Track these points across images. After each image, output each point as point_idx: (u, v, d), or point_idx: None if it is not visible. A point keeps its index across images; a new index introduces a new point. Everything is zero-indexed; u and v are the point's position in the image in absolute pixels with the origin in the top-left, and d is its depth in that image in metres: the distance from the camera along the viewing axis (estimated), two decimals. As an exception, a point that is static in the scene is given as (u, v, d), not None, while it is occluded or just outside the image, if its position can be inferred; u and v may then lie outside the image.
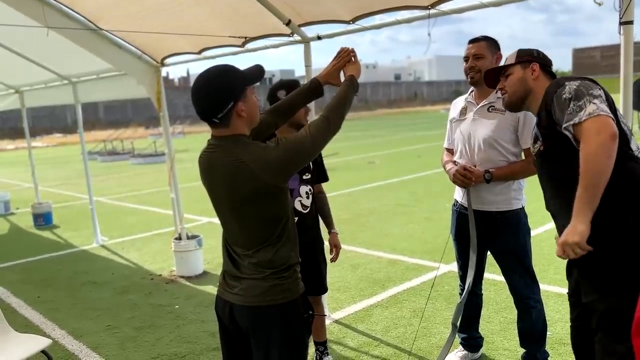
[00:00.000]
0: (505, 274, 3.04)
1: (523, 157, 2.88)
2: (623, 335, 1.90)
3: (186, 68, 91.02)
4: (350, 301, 4.47)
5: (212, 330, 3.95)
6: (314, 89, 2.25)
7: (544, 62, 2.26)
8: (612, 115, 1.84)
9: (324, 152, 2.50)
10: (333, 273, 5.01)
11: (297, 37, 3.95)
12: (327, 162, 3.33)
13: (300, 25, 3.86)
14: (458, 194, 3.10)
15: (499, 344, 3.51)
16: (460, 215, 3.06)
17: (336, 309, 4.29)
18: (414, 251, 5.81)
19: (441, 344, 3.50)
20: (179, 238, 5.54)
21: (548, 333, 3.08)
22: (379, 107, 61.19)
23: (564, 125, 1.90)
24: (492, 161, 2.86)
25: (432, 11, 3.17)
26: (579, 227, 1.81)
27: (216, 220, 2.19)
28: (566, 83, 1.96)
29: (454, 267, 3.71)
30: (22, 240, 7.76)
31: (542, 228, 5.59)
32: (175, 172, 5.52)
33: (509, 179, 2.86)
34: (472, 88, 3.01)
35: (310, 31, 3.96)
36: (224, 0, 3.88)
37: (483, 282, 3.24)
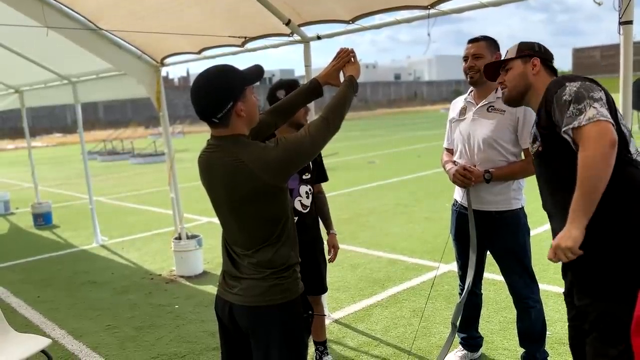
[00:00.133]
0: (504, 273, 3.04)
1: (523, 157, 2.88)
2: (615, 338, 1.92)
3: (186, 68, 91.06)
4: (350, 301, 4.47)
5: (212, 330, 3.95)
6: (314, 89, 2.25)
7: (545, 57, 2.23)
8: (612, 121, 1.82)
9: (323, 151, 2.51)
10: (333, 273, 5.02)
11: (296, 37, 3.96)
12: (327, 162, 3.33)
13: (300, 25, 3.86)
14: (458, 194, 3.10)
15: (498, 344, 3.52)
16: (460, 215, 3.06)
17: (336, 309, 4.30)
18: (414, 251, 5.81)
19: (441, 344, 3.51)
20: (179, 238, 5.54)
21: (547, 333, 3.08)
22: (379, 107, 61.17)
23: (563, 129, 1.88)
24: (492, 161, 2.86)
25: (432, 11, 3.17)
26: (573, 233, 1.81)
27: (216, 220, 2.19)
28: (567, 84, 1.94)
29: (453, 266, 3.71)
30: (22, 240, 7.76)
31: (541, 228, 5.58)
32: (175, 172, 5.52)
33: (508, 179, 2.86)
34: (471, 88, 3.01)
35: (310, 31, 3.97)
36: (223, 0, 3.88)
37: (483, 281, 3.24)
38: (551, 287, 4.33)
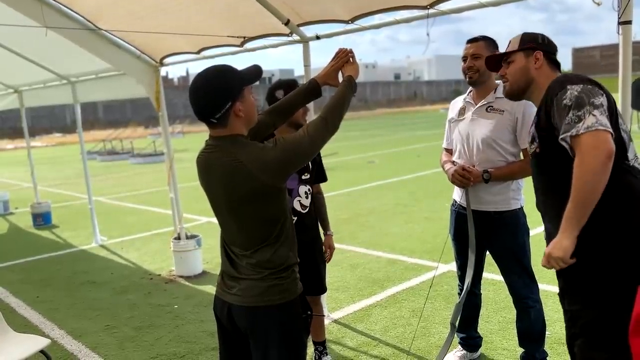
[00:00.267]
0: (504, 273, 3.04)
1: (522, 157, 2.88)
2: (602, 344, 1.93)
3: (185, 68, 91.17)
4: (349, 301, 4.47)
5: (211, 330, 3.95)
6: (313, 89, 2.25)
7: (549, 49, 2.17)
8: (610, 130, 1.79)
9: (323, 151, 2.51)
10: (332, 273, 5.01)
11: (296, 37, 3.95)
12: (326, 162, 3.33)
13: (299, 25, 3.86)
14: (457, 194, 3.10)
15: (497, 344, 3.52)
16: (459, 215, 3.06)
17: (335, 309, 4.30)
18: (413, 251, 5.81)
19: (440, 344, 3.50)
20: (178, 238, 5.54)
21: (547, 332, 3.08)
22: (379, 107, 61.17)
23: (561, 137, 1.86)
24: (491, 161, 2.86)
25: (431, 11, 3.17)
26: (564, 243, 1.81)
27: (215, 220, 2.19)
28: (568, 87, 1.90)
29: (453, 266, 3.71)
30: (21, 240, 7.76)
31: (541, 228, 5.53)
32: (175, 172, 5.51)
33: (507, 179, 2.86)
34: (470, 88, 3.02)
35: (309, 31, 3.97)
36: (223, 0, 3.88)
37: (482, 281, 3.24)
38: (551, 287, 4.32)
